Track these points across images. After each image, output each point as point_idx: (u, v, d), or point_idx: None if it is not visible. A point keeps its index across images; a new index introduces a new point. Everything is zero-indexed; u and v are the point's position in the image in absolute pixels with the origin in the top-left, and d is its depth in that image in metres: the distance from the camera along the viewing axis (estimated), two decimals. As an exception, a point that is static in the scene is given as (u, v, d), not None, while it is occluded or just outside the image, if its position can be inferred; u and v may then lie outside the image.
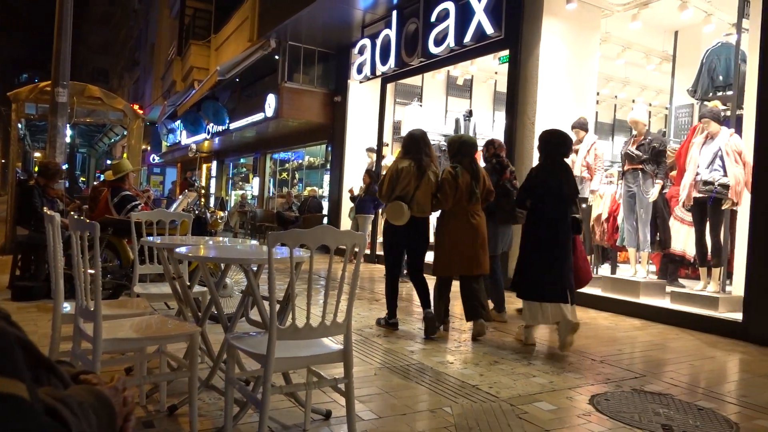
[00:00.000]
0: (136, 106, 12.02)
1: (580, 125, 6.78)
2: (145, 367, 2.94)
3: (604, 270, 7.14)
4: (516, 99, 7.67)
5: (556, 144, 4.42)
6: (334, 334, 2.31)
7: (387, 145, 10.95)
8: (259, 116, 13.71)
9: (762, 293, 4.78)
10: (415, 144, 4.74)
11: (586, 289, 6.42)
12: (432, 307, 4.70)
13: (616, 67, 10.30)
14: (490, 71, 11.66)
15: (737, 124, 5.81)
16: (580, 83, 7.68)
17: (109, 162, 20.80)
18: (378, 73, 10.56)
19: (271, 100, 12.98)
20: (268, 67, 13.84)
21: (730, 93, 6.29)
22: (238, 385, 2.34)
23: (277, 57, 12.81)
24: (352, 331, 2.36)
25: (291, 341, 2.26)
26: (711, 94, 6.76)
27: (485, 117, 12.34)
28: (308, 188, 14.55)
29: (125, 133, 11.47)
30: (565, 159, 4.50)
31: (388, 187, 4.70)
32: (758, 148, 4.99)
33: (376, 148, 10.74)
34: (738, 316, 4.99)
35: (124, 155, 11.37)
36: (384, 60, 10.19)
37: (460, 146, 4.71)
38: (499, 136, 9.50)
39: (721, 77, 6.74)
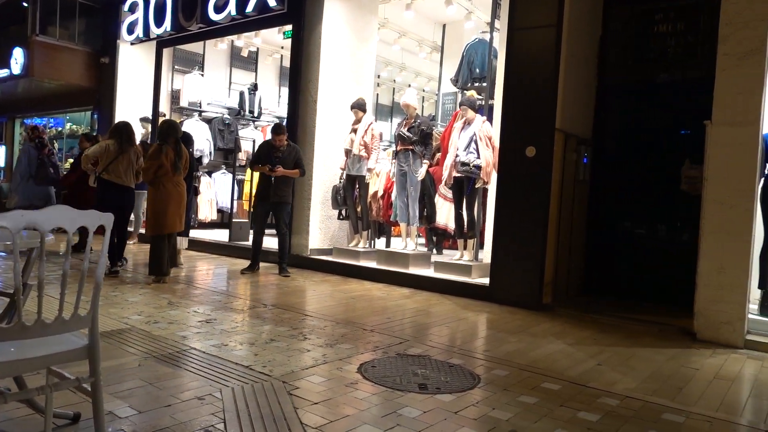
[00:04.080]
0: None
1: (359, 106, 7.06)
2: None
3: (380, 244, 7.61)
4: (299, 75, 7.67)
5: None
6: (75, 329, 2.05)
7: (164, 115, 10.14)
8: (2, 72, 11.61)
9: (503, 260, 5.56)
10: (117, 131, 6.14)
11: (364, 262, 6.81)
12: (118, 263, 6.19)
13: (393, 52, 10.95)
14: (276, 45, 11.49)
15: (489, 113, 6.61)
16: (360, 64, 7.98)
17: None
18: (152, 35, 9.66)
19: (18, 55, 11.08)
20: (14, 15, 11.72)
21: (485, 84, 7.10)
22: (-51, 399, 1.94)
23: (25, 4, 10.90)
24: (98, 323, 2.12)
25: (26, 341, 1.95)
26: (470, 84, 7.56)
27: (271, 91, 12.18)
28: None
29: None
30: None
31: (87, 160, 6.11)
32: (503, 134, 5.73)
33: (150, 118, 9.87)
34: (486, 280, 5.75)
35: None
36: (159, 22, 9.34)
37: (168, 129, 5.95)
38: (284, 111, 9.46)
39: (478, 70, 7.58)
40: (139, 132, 10.06)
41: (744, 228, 4.38)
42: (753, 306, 4.67)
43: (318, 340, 3.97)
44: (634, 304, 5.68)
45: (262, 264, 6.88)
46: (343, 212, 7.44)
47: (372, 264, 6.74)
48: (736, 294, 4.37)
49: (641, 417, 2.87)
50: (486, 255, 6.17)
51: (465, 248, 6.38)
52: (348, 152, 7.07)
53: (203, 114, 10.61)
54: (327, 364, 3.43)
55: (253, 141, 10.01)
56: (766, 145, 4.82)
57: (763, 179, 4.84)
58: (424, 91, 12.78)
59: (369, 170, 7.01)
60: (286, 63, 11.04)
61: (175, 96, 10.65)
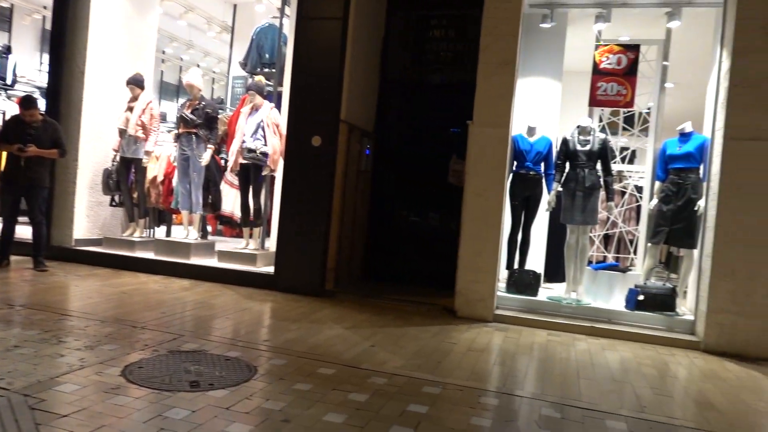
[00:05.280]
0: None
1: (136, 81, 6.45)
2: None
3: (160, 233, 7.10)
4: (64, 42, 6.69)
5: None
6: None
7: None
8: None
9: (287, 248, 5.59)
10: None
11: (140, 253, 6.29)
12: None
13: (180, 27, 10.24)
14: (37, 4, 9.93)
15: (278, 100, 6.55)
16: (138, 37, 7.26)
17: None
18: None
19: None
20: None
21: (274, 70, 7.01)
22: None
23: None
24: None
25: None
26: (259, 69, 7.41)
27: (30, 57, 10.51)
28: None
29: None
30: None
31: None
32: (290, 122, 5.72)
33: None
34: (272, 269, 5.71)
35: None
36: None
37: None
38: (46, 80, 8.22)
39: (267, 55, 7.46)
40: None
41: (495, 217, 5.02)
42: (502, 284, 5.40)
43: (76, 342, 3.53)
44: (410, 287, 6.16)
45: (13, 258, 5.91)
46: (117, 198, 6.75)
47: (149, 255, 6.24)
48: (489, 275, 5.00)
49: (405, 392, 3.11)
50: (273, 243, 6.13)
51: (251, 237, 6.26)
52: (122, 132, 6.41)
53: (-67, 77, 8.71)
54: (84, 369, 3.07)
55: (3, 113, 8.52)
56: (514, 145, 5.57)
57: (511, 175, 5.61)
58: (214, 72, 12.22)
59: (147, 153, 6.46)
60: (50, 25, 9.61)
61: None
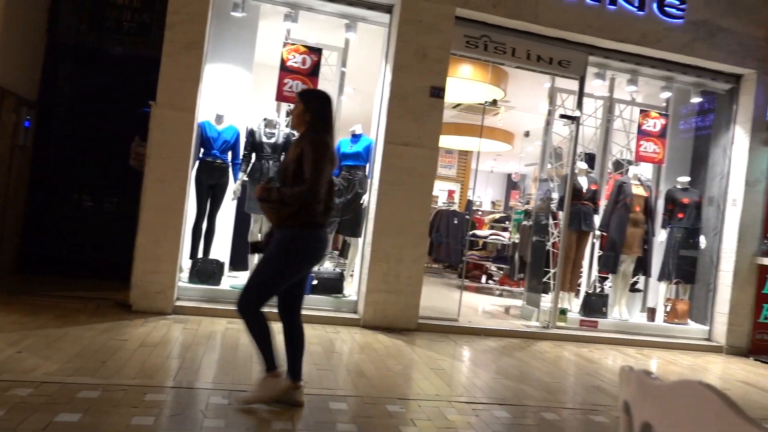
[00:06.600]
0: None
1: None
2: None
3: None
4: None
5: None
6: None
7: None
8: None
9: None
10: None
11: None
12: None
13: None
14: None
15: None
16: None
17: None
18: None
19: None
20: None
21: None
22: None
23: None
24: None
25: None
26: None
27: None
28: None
29: None
30: None
31: None
32: None
33: None
34: None
35: None
36: None
37: None
38: None
39: None
40: None
41: (178, 204, 4.84)
42: (184, 275, 5.25)
43: None
44: (78, 280, 5.51)
45: None
46: None
47: None
48: (170, 264, 4.80)
49: (55, 401, 2.77)
50: None
51: None
52: None
53: None
54: None
55: None
56: (201, 131, 5.46)
57: (197, 162, 5.48)
58: None
59: None
60: None
61: None
